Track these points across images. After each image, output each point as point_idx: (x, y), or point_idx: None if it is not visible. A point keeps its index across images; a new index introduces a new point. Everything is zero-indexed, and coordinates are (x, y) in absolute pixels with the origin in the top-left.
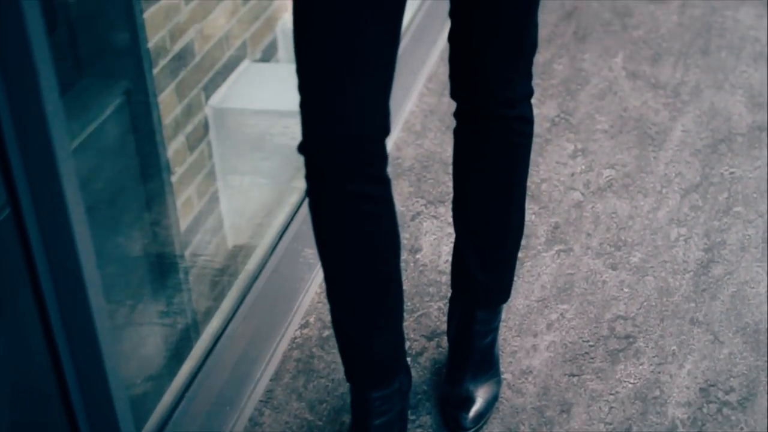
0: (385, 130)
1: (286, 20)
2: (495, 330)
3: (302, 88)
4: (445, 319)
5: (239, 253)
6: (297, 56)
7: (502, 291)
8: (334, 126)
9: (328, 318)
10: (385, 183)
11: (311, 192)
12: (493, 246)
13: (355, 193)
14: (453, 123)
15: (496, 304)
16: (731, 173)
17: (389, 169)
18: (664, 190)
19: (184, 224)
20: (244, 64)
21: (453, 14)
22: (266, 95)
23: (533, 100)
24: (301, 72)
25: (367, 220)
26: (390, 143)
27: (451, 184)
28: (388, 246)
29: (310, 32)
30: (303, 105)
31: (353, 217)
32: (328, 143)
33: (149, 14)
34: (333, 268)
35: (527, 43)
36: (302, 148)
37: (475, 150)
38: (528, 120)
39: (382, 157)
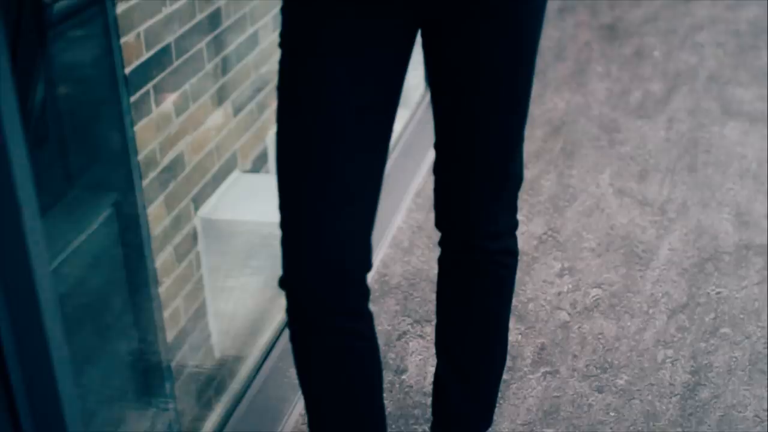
0: (367, 266)
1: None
2: None
3: (283, 224)
4: None
5: (226, 365)
6: (278, 192)
7: (485, 419)
8: (314, 263)
9: None
10: (366, 317)
11: (292, 325)
12: (475, 377)
13: (336, 329)
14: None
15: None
16: (718, 293)
17: (376, 286)
18: (650, 311)
19: (170, 335)
20: (234, 175)
21: (438, 146)
22: (256, 206)
23: (520, 217)
24: (281, 208)
25: (349, 355)
26: (377, 259)
27: None
28: (370, 380)
29: (289, 170)
30: (284, 241)
31: (334, 351)
32: (308, 279)
33: (140, 127)
34: (313, 400)
35: (511, 178)
36: (283, 283)
37: (458, 280)
38: (512, 252)
39: (363, 292)
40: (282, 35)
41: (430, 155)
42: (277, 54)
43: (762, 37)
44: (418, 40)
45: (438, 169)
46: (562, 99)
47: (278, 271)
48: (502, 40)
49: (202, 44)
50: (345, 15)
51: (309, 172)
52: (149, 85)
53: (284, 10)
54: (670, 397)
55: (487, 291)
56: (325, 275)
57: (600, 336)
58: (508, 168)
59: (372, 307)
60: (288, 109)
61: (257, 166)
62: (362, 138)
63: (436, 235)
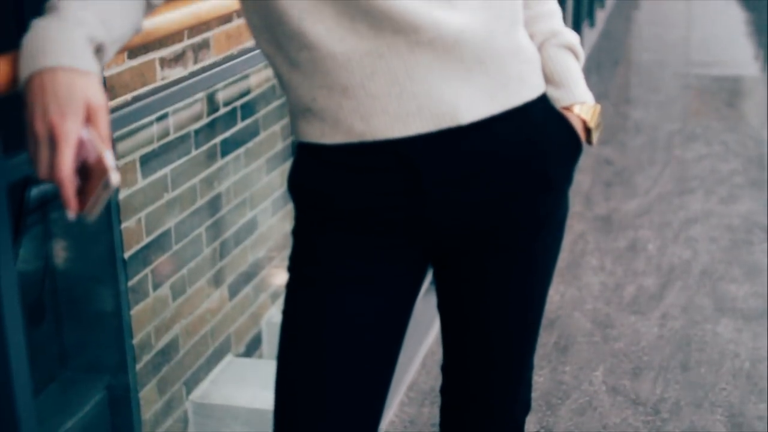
0: None
1: (271, 314)
2: None
3: None
4: None
5: None
6: (275, 408)
7: None
8: None
9: None
10: None
11: None
12: None
13: None
14: None
15: None
16: None
17: None
18: None
19: None
20: (227, 359)
21: (445, 368)
22: (248, 392)
23: None
24: (277, 419)
25: None
26: None
27: None
28: None
29: (288, 399)
30: None
31: None
32: None
33: (136, 311)
34: None
35: (519, 403)
36: None
37: None
38: None
39: None
40: (291, 258)
41: (424, 348)
42: (275, 237)
43: (755, 233)
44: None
45: (445, 390)
46: (556, 292)
47: None
48: (513, 269)
49: (202, 229)
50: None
51: (309, 403)
52: (147, 269)
53: (294, 233)
54: None
55: None
56: None
57: None
58: (517, 393)
59: None
60: (291, 335)
61: (251, 350)
62: (364, 372)
63: (429, 430)
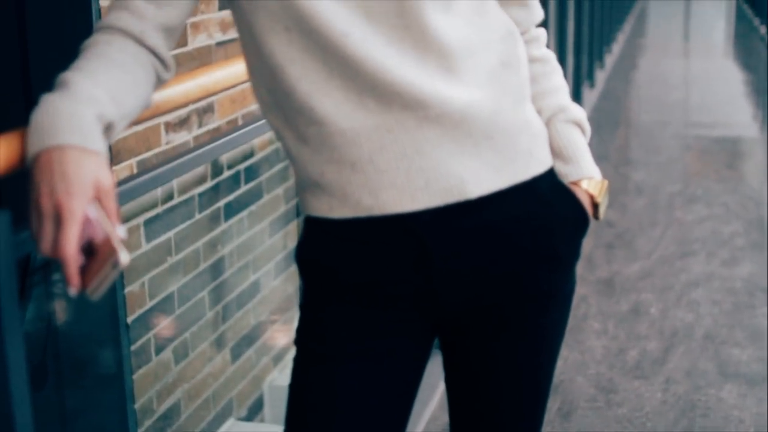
0: None
1: (273, 377)
2: None
3: None
4: None
5: None
6: None
7: None
8: None
9: None
10: None
11: None
12: None
13: None
14: None
15: None
16: None
17: None
18: None
19: None
20: (229, 423)
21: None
22: None
23: None
24: None
25: None
26: None
27: None
28: None
29: None
30: None
31: None
32: None
33: (138, 375)
34: None
35: None
36: None
37: None
38: None
39: None
40: (298, 331)
41: (427, 414)
42: (277, 299)
43: (757, 296)
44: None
45: None
46: (559, 356)
47: None
48: (521, 344)
49: (204, 292)
50: (364, 317)
51: None
52: (150, 334)
53: (302, 306)
54: None
55: None
56: None
57: None
58: None
59: None
60: (298, 411)
61: (253, 414)
62: None
63: None
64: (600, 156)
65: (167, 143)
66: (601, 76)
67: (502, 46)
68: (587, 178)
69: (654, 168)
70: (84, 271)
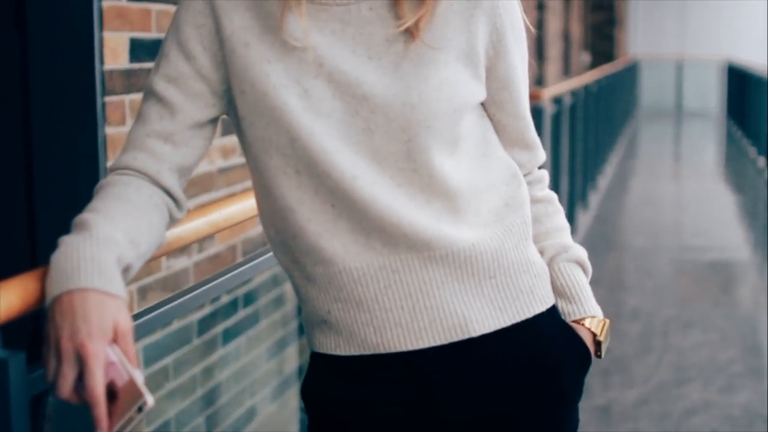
0: None
1: None
2: None
3: None
4: None
5: None
6: None
7: None
8: None
9: None
10: None
11: None
12: None
13: None
14: None
15: None
16: None
17: None
18: None
19: None
20: None
21: None
22: None
23: None
24: None
25: None
26: None
27: None
28: None
29: None
30: None
31: None
32: None
33: None
34: None
35: None
36: None
37: None
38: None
39: None
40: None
41: None
42: (273, 424)
43: (757, 424)
44: None
45: None
46: None
47: None
48: None
49: (201, 418)
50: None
51: None
52: None
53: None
54: None
55: None
56: None
57: None
58: None
59: None
60: None
61: None
62: None
63: None
64: (594, 280)
65: (167, 268)
66: (594, 198)
67: (506, 188)
68: (590, 317)
69: (649, 292)
70: (108, 413)
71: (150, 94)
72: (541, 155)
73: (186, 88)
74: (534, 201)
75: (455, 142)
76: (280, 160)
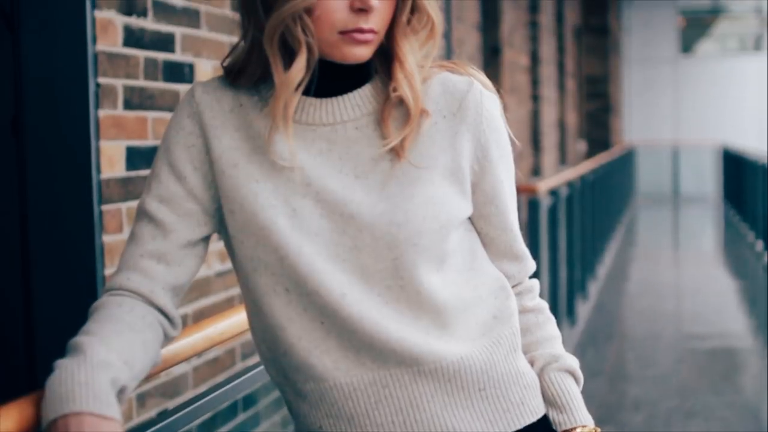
0: None
1: None
2: None
3: None
4: None
5: None
6: None
7: None
8: None
9: None
10: None
11: None
12: None
13: None
14: None
15: None
16: None
17: None
18: None
19: None
20: None
21: None
22: None
23: None
24: None
25: None
26: None
27: None
28: None
29: None
30: None
31: None
32: None
33: None
34: None
35: None
36: None
37: None
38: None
39: None
40: None
41: None
42: None
43: None
44: None
45: None
46: None
47: None
48: None
49: None
50: None
51: None
52: None
53: None
54: None
55: None
56: None
57: None
58: None
59: None
60: None
61: None
62: None
63: None
64: (595, 371)
65: (166, 374)
66: (593, 287)
67: (494, 300)
68: (580, 426)
69: (650, 382)
70: None
71: (142, 215)
72: (531, 265)
73: (178, 209)
74: (524, 311)
75: (442, 257)
76: (269, 279)
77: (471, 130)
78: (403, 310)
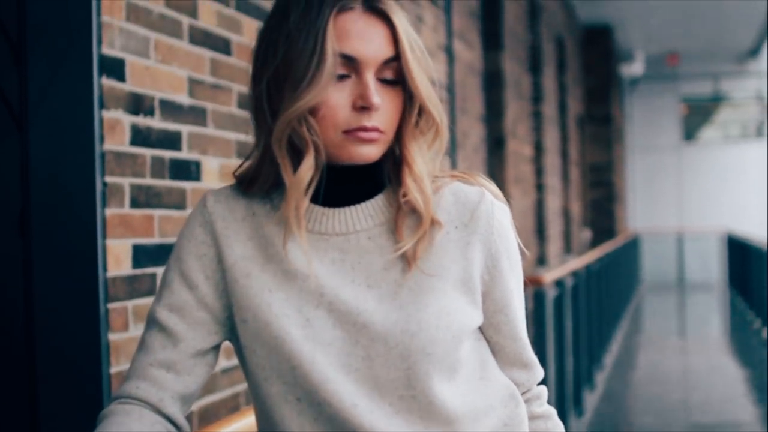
0: None
1: None
2: None
3: None
4: None
5: None
6: None
7: None
8: None
9: None
10: None
11: None
12: None
13: None
14: None
15: None
16: None
17: None
18: None
19: None
20: None
21: None
22: None
23: None
24: None
25: None
26: None
27: None
28: None
29: None
30: None
31: None
32: None
33: None
34: None
35: None
36: None
37: None
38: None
39: None
40: None
41: None
42: None
43: None
44: None
45: None
46: None
47: None
48: None
49: None
50: None
51: None
52: None
53: None
54: None
55: None
56: None
57: None
58: None
59: None
60: None
61: None
62: None
63: None
64: None
65: None
66: (600, 377)
67: (504, 409)
68: None
69: None
70: None
71: (153, 323)
72: (539, 373)
73: (189, 318)
74: (533, 417)
75: (454, 367)
76: (281, 387)
77: (482, 240)
78: (415, 420)
